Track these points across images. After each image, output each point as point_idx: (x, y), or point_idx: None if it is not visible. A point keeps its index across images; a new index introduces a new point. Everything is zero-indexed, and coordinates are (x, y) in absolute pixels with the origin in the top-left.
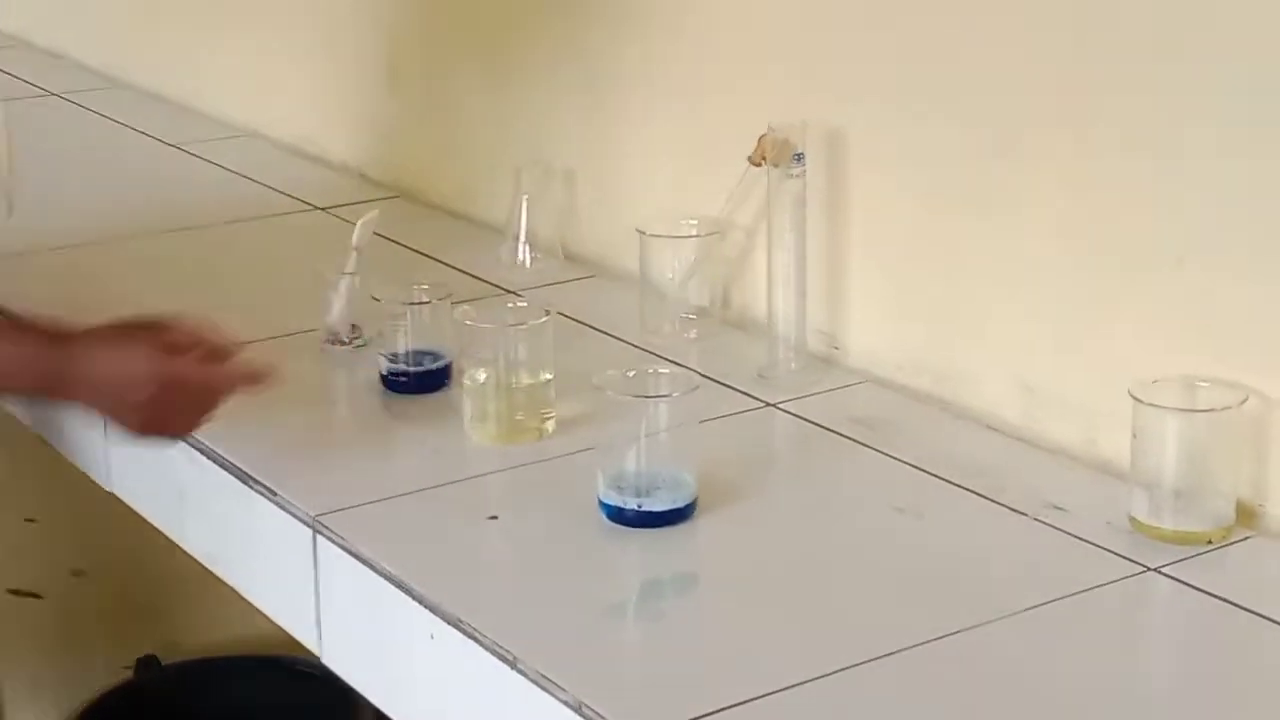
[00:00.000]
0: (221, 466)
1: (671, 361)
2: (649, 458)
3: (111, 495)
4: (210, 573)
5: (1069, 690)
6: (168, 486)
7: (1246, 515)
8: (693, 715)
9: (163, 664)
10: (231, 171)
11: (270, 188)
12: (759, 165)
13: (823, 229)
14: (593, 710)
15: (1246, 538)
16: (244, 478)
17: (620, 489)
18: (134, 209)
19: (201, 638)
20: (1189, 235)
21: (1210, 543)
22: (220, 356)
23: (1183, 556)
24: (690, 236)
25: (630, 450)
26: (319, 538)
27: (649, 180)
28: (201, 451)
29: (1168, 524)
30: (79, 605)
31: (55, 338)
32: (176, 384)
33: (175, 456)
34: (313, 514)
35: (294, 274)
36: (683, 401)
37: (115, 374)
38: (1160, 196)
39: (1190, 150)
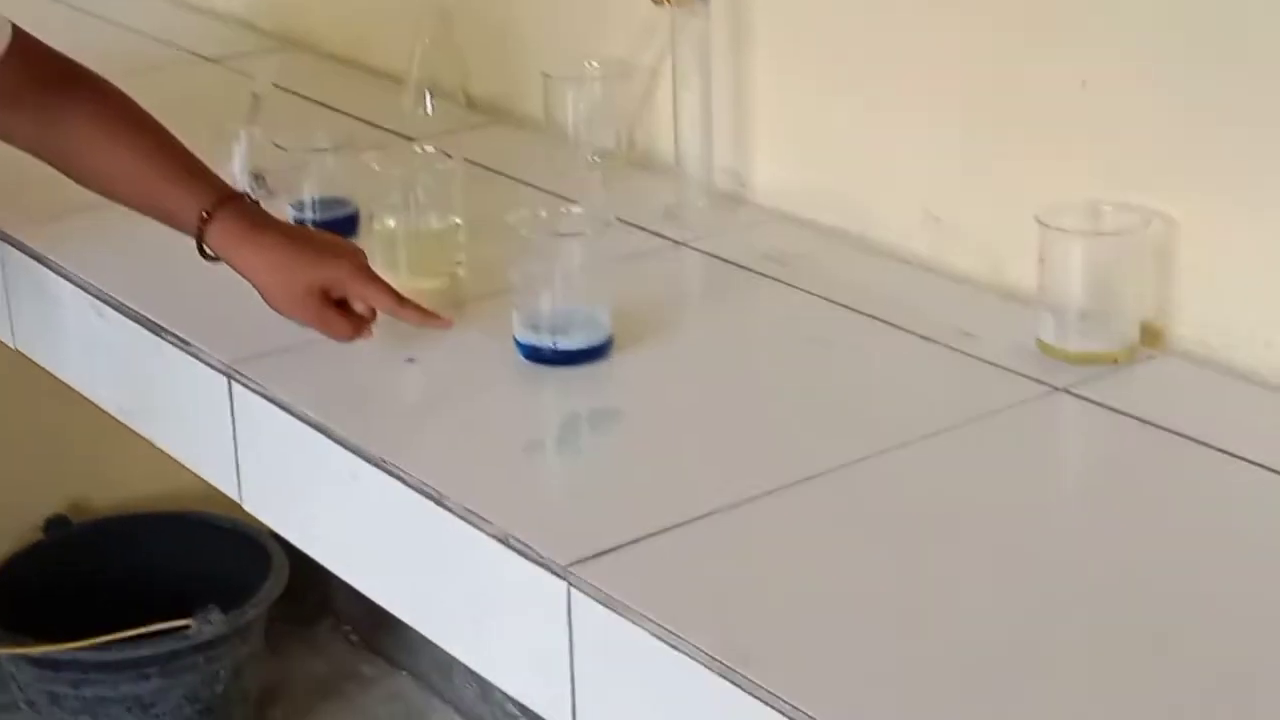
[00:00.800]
0: (131, 319)
1: (578, 202)
2: (563, 297)
3: (17, 353)
4: (120, 429)
5: (983, 510)
6: (76, 341)
7: (1151, 335)
8: (617, 542)
9: (73, 524)
10: (117, 24)
11: (158, 39)
12: (661, 4)
13: (728, 67)
14: (520, 541)
15: (1151, 357)
16: (155, 329)
17: (536, 328)
18: None
19: (112, 496)
20: (1092, 59)
21: (1116, 362)
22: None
23: (1089, 377)
24: (594, 79)
25: (544, 289)
26: (235, 385)
27: (552, 23)
28: (109, 304)
29: (1074, 346)
30: None
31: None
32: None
33: (83, 309)
34: (227, 361)
35: (191, 126)
36: (595, 241)
37: (301, 269)
38: (1063, 20)
39: None
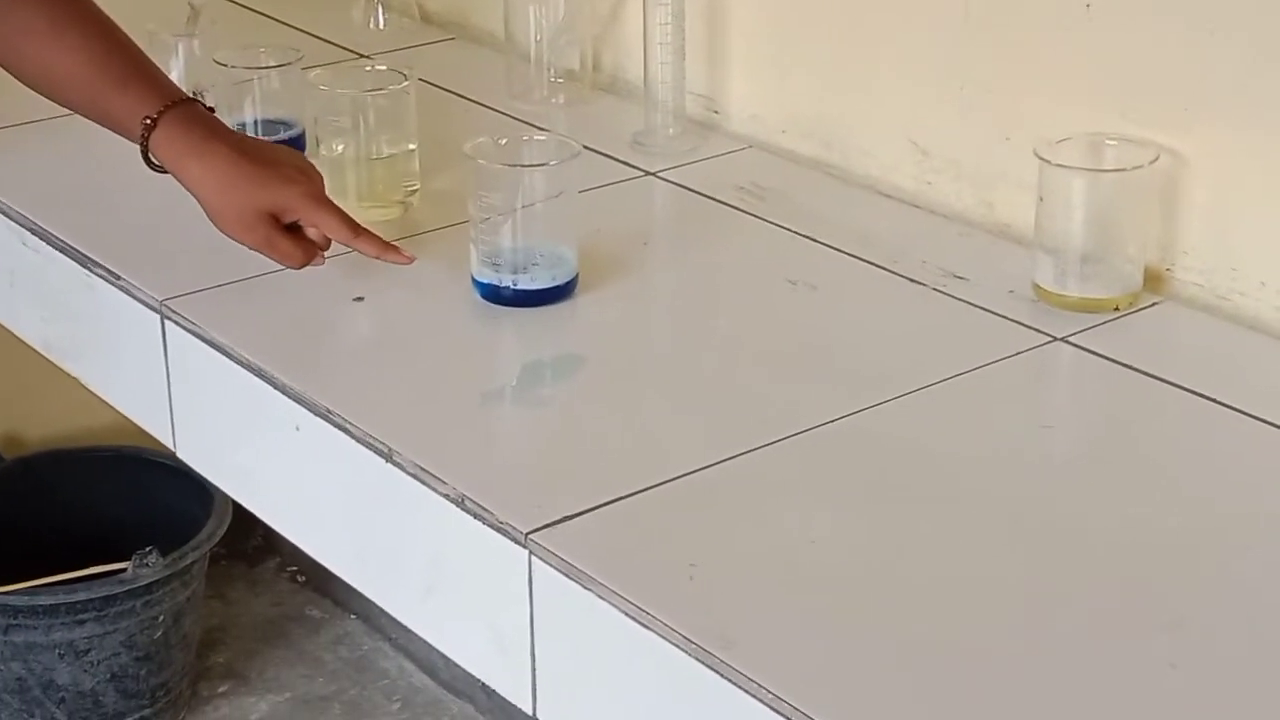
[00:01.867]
0: (58, 249)
1: (541, 129)
2: (525, 232)
3: None
4: (49, 364)
5: (977, 467)
6: None
7: (1154, 280)
8: (584, 507)
9: (3, 459)
10: None
11: None
12: None
13: None
14: (476, 503)
15: (1154, 303)
16: (83, 260)
17: (495, 266)
18: None
19: (44, 430)
20: None
21: (1118, 310)
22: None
23: (1089, 325)
24: None
25: (505, 224)
26: (168, 324)
27: None
28: (34, 232)
29: (1073, 291)
30: None
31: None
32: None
33: (7, 237)
34: (160, 298)
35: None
36: (559, 170)
37: (216, 213)
38: None
39: None
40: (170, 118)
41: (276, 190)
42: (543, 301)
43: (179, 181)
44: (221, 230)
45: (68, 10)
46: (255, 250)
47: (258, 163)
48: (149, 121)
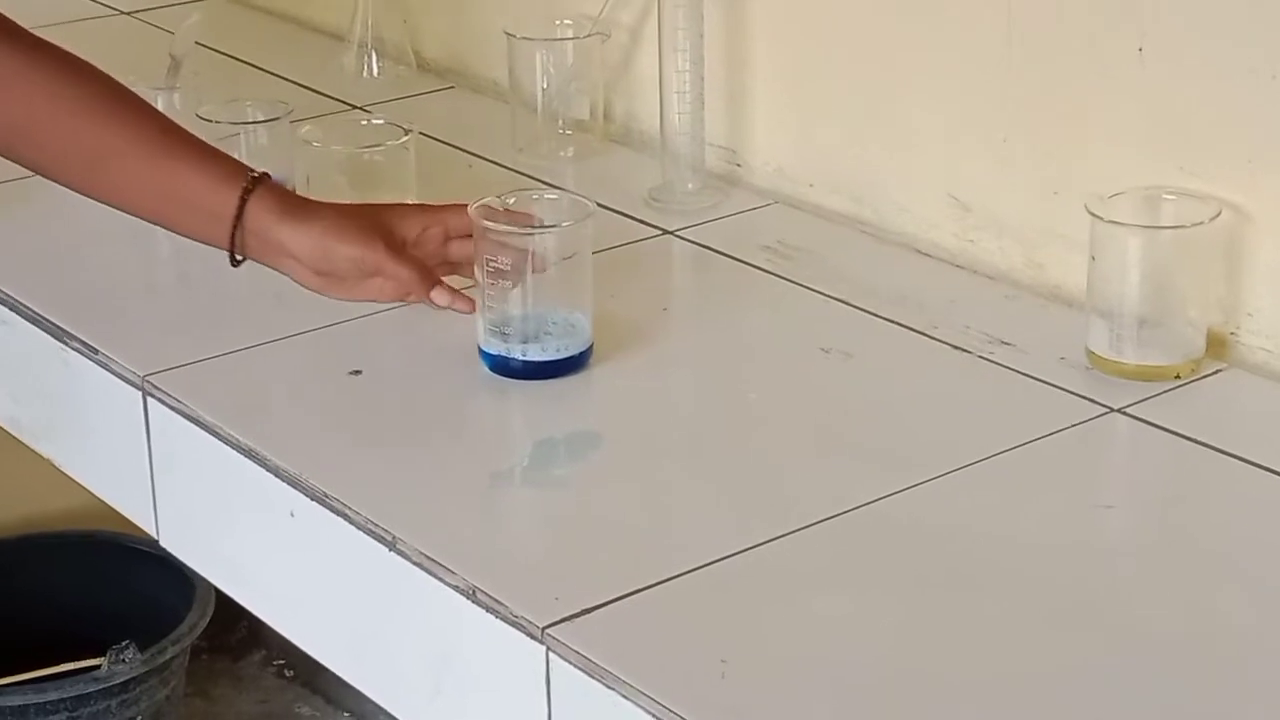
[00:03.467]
0: (30, 320)
1: (549, 184)
2: (535, 299)
3: None
4: (19, 441)
5: (1029, 552)
6: None
7: (1217, 345)
8: (605, 598)
9: None
10: None
11: None
12: None
13: (721, 26)
14: (488, 595)
15: (1218, 370)
16: (58, 333)
17: (504, 335)
18: None
19: (13, 513)
20: (1149, 19)
21: (1178, 378)
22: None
23: (1148, 394)
24: (566, 39)
25: (513, 290)
26: (151, 400)
27: None
28: (4, 302)
29: (1130, 358)
30: None
31: (275, 200)
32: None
33: None
34: (142, 373)
35: None
36: (571, 232)
37: (319, 260)
38: None
39: None
40: (264, 188)
41: (394, 215)
42: (555, 374)
43: (278, 245)
44: (350, 252)
45: (89, 78)
46: (393, 268)
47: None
48: (246, 188)
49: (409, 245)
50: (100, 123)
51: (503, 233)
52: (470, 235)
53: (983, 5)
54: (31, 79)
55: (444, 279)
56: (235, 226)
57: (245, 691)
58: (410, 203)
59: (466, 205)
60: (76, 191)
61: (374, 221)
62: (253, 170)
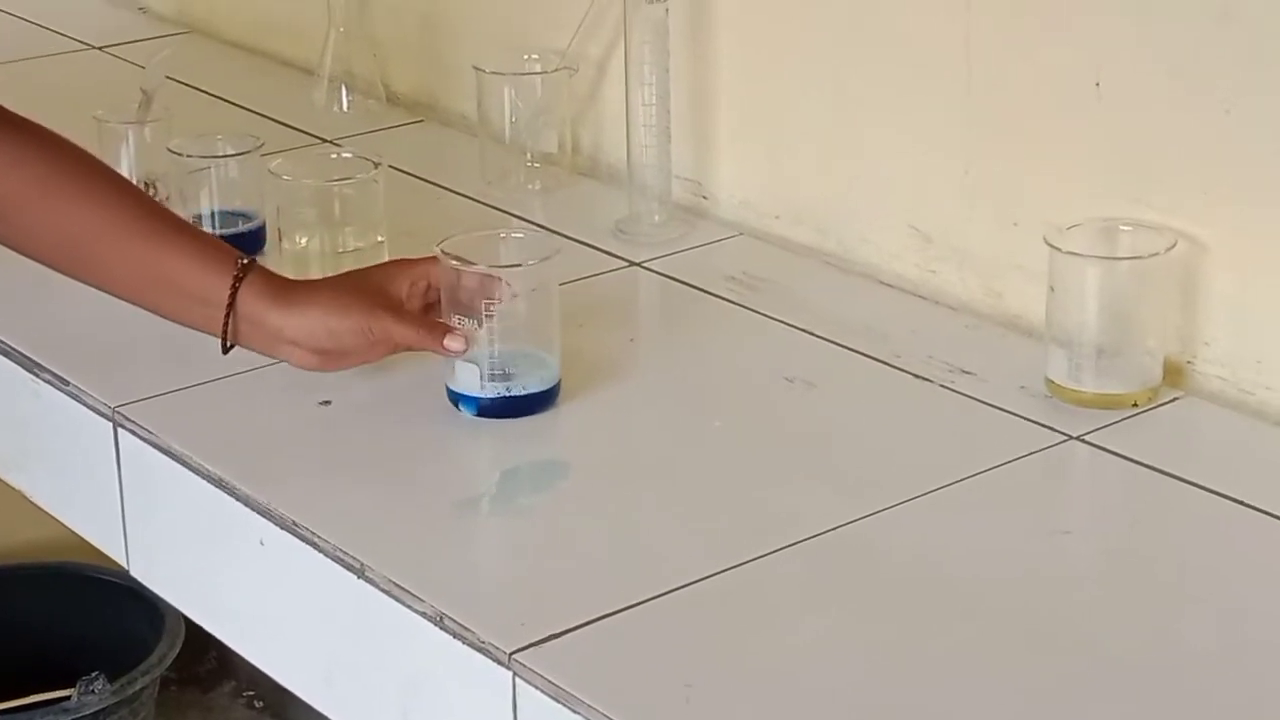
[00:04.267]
0: (2, 353)
1: (517, 217)
2: (502, 335)
3: None
4: None
5: (989, 576)
6: None
7: (1175, 373)
8: (571, 624)
9: None
10: None
11: (39, 25)
12: None
13: (687, 60)
14: (456, 622)
15: (1175, 398)
16: (28, 365)
17: (472, 373)
18: None
19: None
20: (1106, 53)
21: (1136, 405)
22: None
23: (1107, 422)
24: (533, 73)
25: (481, 328)
26: (121, 431)
27: (485, 8)
28: None
29: (1089, 386)
30: None
31: (263, 285)
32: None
33: None
34: (113, 404)
35: (71, 124)
36: (537, 270)
37: (321, 340)
38: (1073, 6)
39: None
40: (255, 273)
41: (382, 278)
42: (523, 411)
43: (276, 331)
44: (343, 327)
45: (72, 159)
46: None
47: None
48: (238, 274)
49: (404, 303)
50: (78, 205)
51: (468, 271)
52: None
53: (943, 41)
54: (5, 157)
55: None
56: (228, 314)
57: None
58: (388, 261)
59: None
60: (61, 274)
61: (367, 289)
62: (241, 256)
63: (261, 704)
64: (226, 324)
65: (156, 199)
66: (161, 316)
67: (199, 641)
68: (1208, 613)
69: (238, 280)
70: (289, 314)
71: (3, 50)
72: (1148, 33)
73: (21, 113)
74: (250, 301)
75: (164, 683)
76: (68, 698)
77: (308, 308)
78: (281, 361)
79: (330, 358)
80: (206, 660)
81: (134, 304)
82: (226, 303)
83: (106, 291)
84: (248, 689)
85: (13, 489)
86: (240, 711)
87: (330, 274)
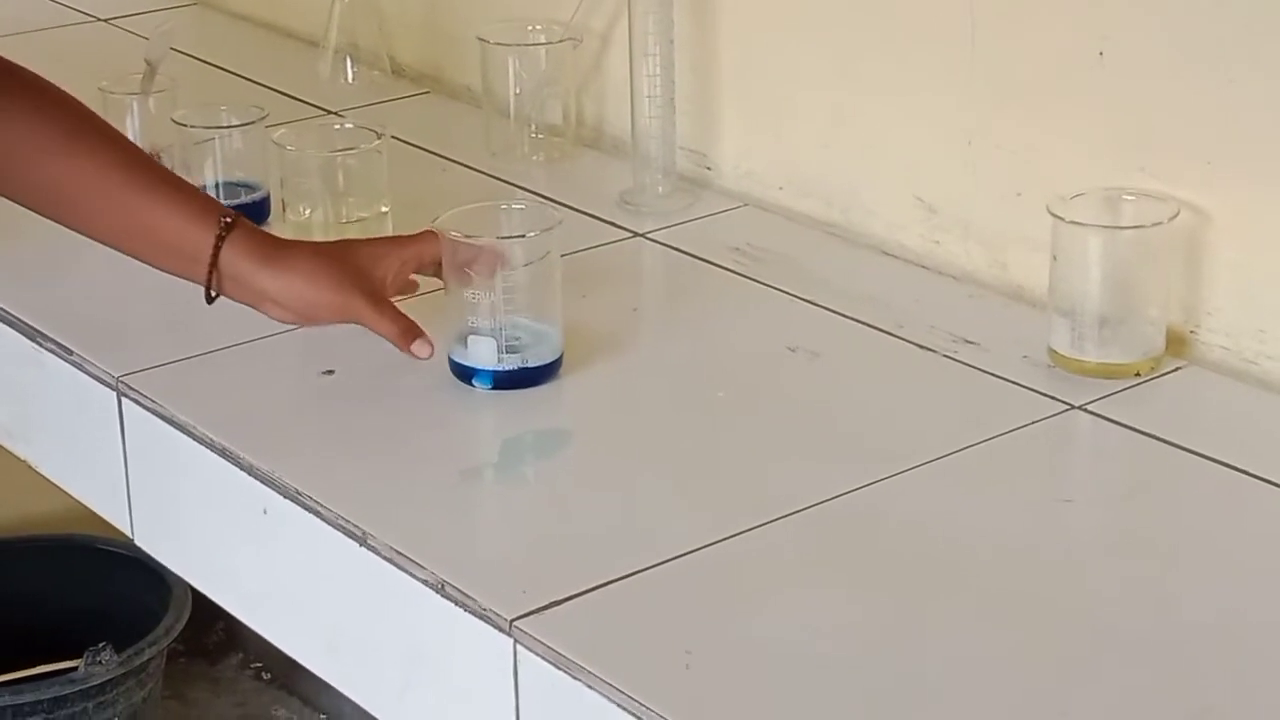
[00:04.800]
0: (4, 322)
1: (522, 189)
2: (505, 307)
3: None
4: None
5: (991, 545)
6: None
7: (1177, 343)
8: (572, 591)
9: None
10: None
11: None
12: None
13: (691, 31)
14: (457, 589)
15: (1178, 368)
16: (32, 334)
17: (474, 346)
18: None
19: None
20: (1110, 23)
21: (1139, 375)
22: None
23: (1109, 391)
24: (538, 44)
25: (483, 300)
26: (125, 401)
27: None
28: None
29: (1091, 356)
30: None
31: (252, 243)
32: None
33: None
34: (116, 374)
35: (76, 95)
36: (539, 241)
37: (298, 305)
38: None
39: None
40: (241, 228)
41: (370, 256)
42: (526, 383)
43: (258, 291)
44: (326, 299)
45: (71, 112)
46: (365, 308)
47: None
48: (223, 227)
49: (388, 282)
50: (66, 153)
51: (470, 243)
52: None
53: (947, 11)
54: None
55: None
56: (211, 270)
57: (222, 694)
58: (382, 238)
59: (435, 233)
60: (48, 219)
61: (351, 267)
62: (225, 213)
63: (269, 676)
64: (210, 278)
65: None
66: (150, 265)
67: (207, 613)
68: (1210, 582)
69: (220, 239)
70: (272, 276)
71: (8, 22)
72: (1151, 3)
73: None
74: (234, 259)
75: (172, 654)
76: (75, 669)
77: (290, 273)
78: (268, 318)
79: (308, 319)
80: (214, 632)
81: (124, 253)
82: (209, 258)
83: (91, 238)
84: (255, 661)
85: (14, 462)
86: (248, 683)
87: None
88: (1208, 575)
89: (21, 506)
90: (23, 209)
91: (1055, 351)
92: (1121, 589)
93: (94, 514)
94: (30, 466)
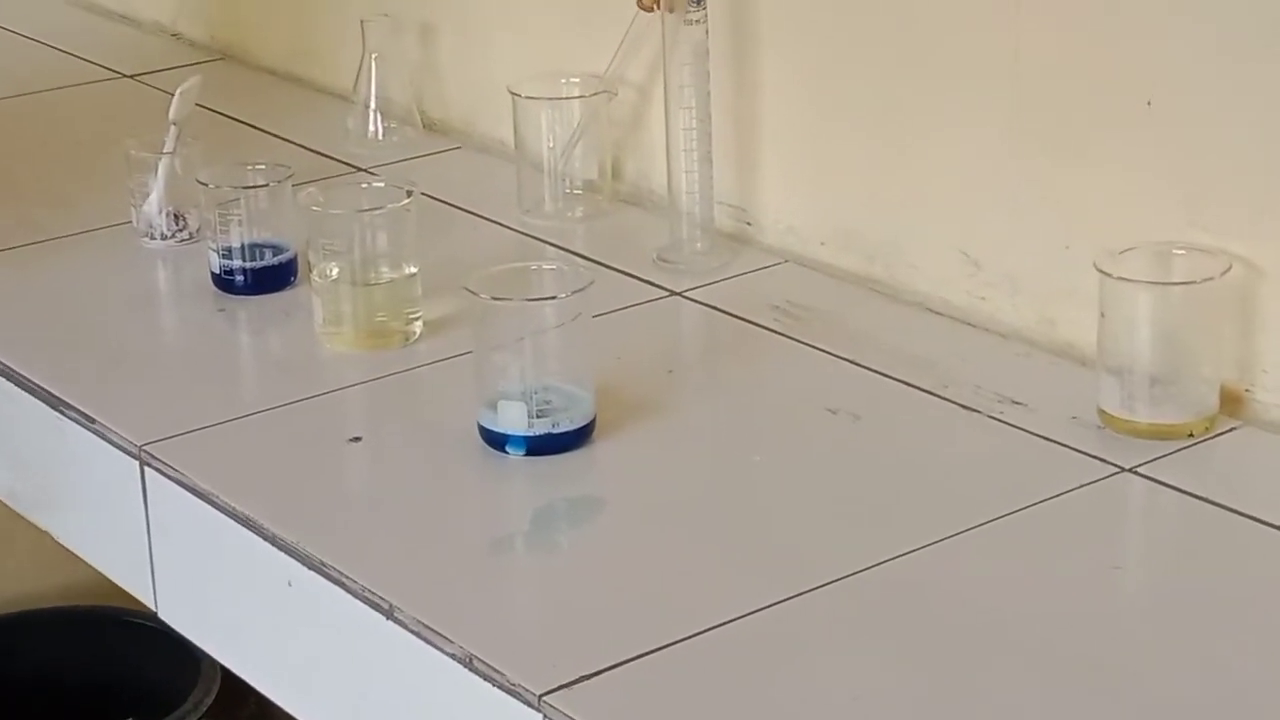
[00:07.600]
0: (26, 390)
1: (555, 246)
2: (536, 370)
3: None
4: (16, 515)
5: (1040, 615)
6: None
7: (1232, 402)
8: (603, 665)
9: None
10: (23, 36)
11: (69, 53)
12: (650, 10)
13: (729, 83)
14: (485, 664)
15: (1233, 428)
16: (55, 403)
17: (504, 410)
18: None
19: (10, 588)
20: (1158, 72)
21: (1191, 436)
22: None
23: (1161, 453)
24: (572, 97)
25: (512, 365)
26: (148, 470)
27: (521, 31)
28: (1, 373)
29: (1143, 416)
30: None
31: None
32: None
33: None
34: (140, 443)
35: (101, 155)
36: (571, 303)
37: None
38: (1124, 24)
39: None
40: None
41: None
42: (557, 449)
43: None
44: None
45: None
46: None
47: None
48: None
49: None
50: None
51: (500, 307)
52: None
53: (991, 61)
54: None
55: None
56: None
57: None
58: None
59: None
60: None
61: None
62: None
63: None
64: None
65: (185, 231)
66: None
67: (237, 689)
68: (1263, 649)
69: None
70: None
71: (36, 80)
72: (1201, 51)
73: (54, 144)
74: None
75: None
76: None
77: None
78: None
79: None
80: (247, 705)
81: None
82: None
83: None
84: None
85: (36, 532)
86: None
87: (361, 304)
88: (1263, 642)
89: (47, 577)
90: (49, 269)
91: (1105, 412)
92: (1174, 659)
93: (119, 586)
94: (49, 539)
